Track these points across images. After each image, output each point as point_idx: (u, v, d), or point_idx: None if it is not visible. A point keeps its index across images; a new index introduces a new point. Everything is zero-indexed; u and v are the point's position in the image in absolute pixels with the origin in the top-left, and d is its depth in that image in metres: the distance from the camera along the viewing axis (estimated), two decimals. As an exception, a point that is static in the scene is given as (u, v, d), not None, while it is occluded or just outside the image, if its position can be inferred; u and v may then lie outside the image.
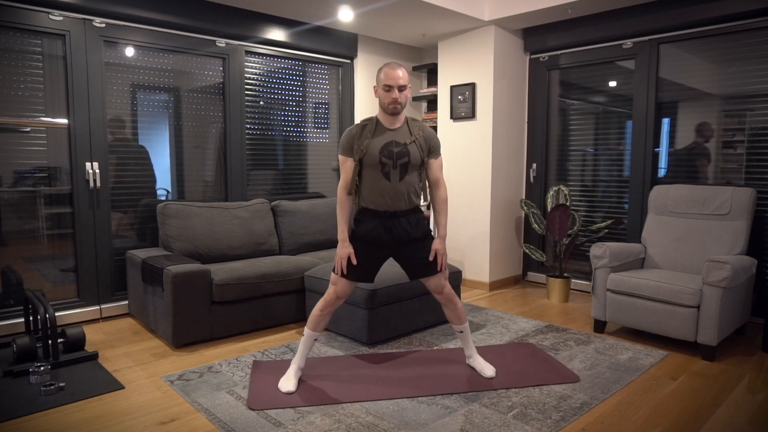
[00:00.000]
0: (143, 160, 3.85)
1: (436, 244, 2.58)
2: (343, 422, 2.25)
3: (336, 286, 2.55)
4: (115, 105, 3.70)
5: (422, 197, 2.65)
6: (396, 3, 3.92)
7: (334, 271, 2.57)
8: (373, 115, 2.58)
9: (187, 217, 3.71)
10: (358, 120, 4.97)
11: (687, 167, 3.97)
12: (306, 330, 2.61)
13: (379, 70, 2.48)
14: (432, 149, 2.58)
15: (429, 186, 2.64)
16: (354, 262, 2.50)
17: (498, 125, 4.61)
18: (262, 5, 4.02)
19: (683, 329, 3.06)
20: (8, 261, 3.39)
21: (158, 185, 3.96)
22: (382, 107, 2.50)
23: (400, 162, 2.48)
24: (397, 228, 2.53)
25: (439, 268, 2.59)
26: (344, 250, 2.50)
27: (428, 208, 2.70)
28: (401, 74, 2.43)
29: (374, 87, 2.53)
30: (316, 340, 2.66)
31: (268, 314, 3.51)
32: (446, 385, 2.61)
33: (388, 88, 2.44)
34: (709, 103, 3.86)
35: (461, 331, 2.75)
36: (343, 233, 2.52)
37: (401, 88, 2.44)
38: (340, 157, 2.54)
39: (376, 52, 5.11)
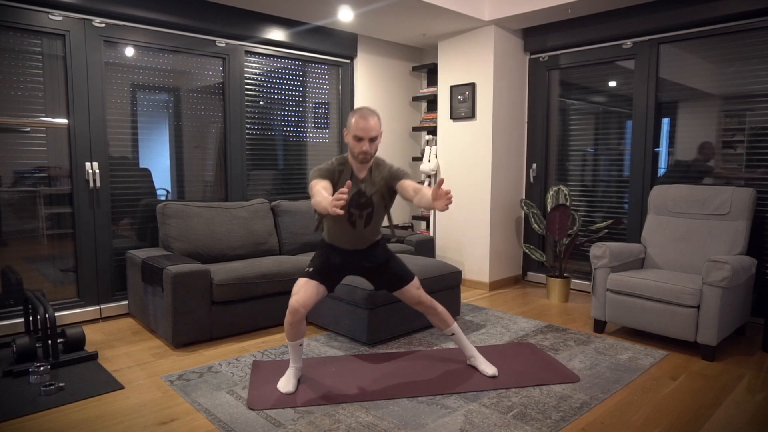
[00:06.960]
0: (143, 172, 3.85)
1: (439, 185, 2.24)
2: (343, 422, 2.25)
3: (297, 295, 2.44)
4: (115, 105, 3.70)
5: (388, 220, 2.65)
6: (396, 3, 3.91)
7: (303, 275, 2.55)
8: (347, 154, 2.52)
9: (187, 217, 3.71)
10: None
11: (687, 171, 3.97)
12: (288, 342, 2.58)
13: (351, 114, 2.43)
14: (396, 178, 2.48)
15: (415, 195, 2.38)
16: (345, 194, 2.12)
17: (498, 125, 4.61)
18: (262, 5, 4.02)
19: (683, 329, 3.06)
20: (8, 261, 3.39)
21: (158, 185, 3.95)
22: (352, 154, 2.47)
23: (365, 212, 2.52)
24: (358, 260, 2.61)
25: (448, 198, 2.18)
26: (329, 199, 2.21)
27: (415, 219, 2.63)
28: (372, 125, 2.38)
29: (345, 130, 2.49)
30: (301, 345, 2.59)
31: (268, 314, 3.51)
32: (446, 385, 2.61)
33: (359, 139, 2.40)
34: (709, 103, 3.86)
35: (452, 334, 2.75)
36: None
37: (372, 140, 2.41)
38: (313, 181, 2.38)
39: (376, 52, 5.11)
